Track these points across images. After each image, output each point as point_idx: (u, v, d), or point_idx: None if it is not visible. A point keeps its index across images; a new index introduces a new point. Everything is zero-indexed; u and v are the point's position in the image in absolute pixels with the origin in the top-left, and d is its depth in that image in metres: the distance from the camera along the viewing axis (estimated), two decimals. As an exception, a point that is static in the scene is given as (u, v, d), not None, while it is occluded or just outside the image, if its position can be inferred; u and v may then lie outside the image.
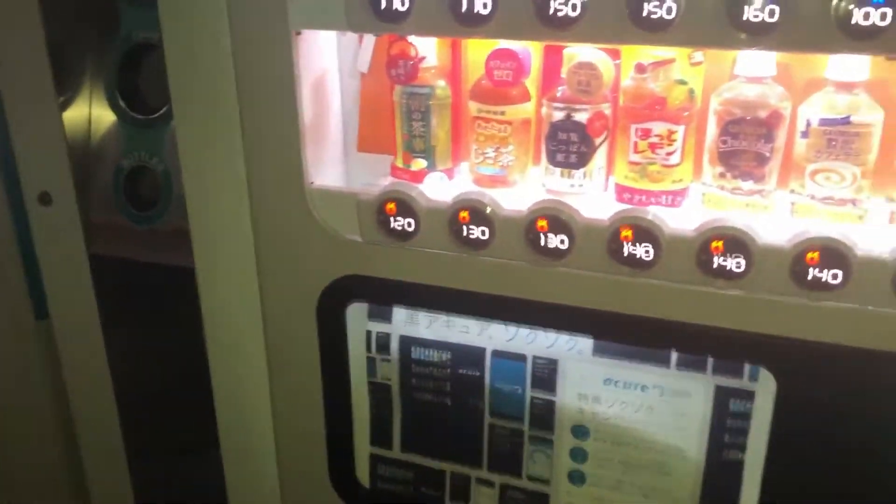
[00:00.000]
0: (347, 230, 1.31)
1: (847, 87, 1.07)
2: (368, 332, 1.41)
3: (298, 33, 1.21)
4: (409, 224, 1.24)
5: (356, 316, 1.39)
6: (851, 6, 0.92)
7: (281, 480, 1.56)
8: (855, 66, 1.06)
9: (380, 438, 1.48)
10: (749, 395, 1.21)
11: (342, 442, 1.48)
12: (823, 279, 1.05)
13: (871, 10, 0.91)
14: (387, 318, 1.40)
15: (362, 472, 1.51)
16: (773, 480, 1.20)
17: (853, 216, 1.09)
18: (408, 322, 1.39)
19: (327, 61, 1.34)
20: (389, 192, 1.25)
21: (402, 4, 1.11)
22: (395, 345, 1.40)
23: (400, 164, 1.31)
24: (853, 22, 0.92)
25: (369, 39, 1.34)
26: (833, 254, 1.04)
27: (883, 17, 0.91)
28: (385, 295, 1.35)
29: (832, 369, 1.11)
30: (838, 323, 1.08)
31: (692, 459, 1.28)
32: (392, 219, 1.25)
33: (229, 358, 1.49)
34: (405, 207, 1.24)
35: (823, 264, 1.05)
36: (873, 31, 0.92)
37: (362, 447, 1.50)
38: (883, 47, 0.95)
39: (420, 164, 1.29)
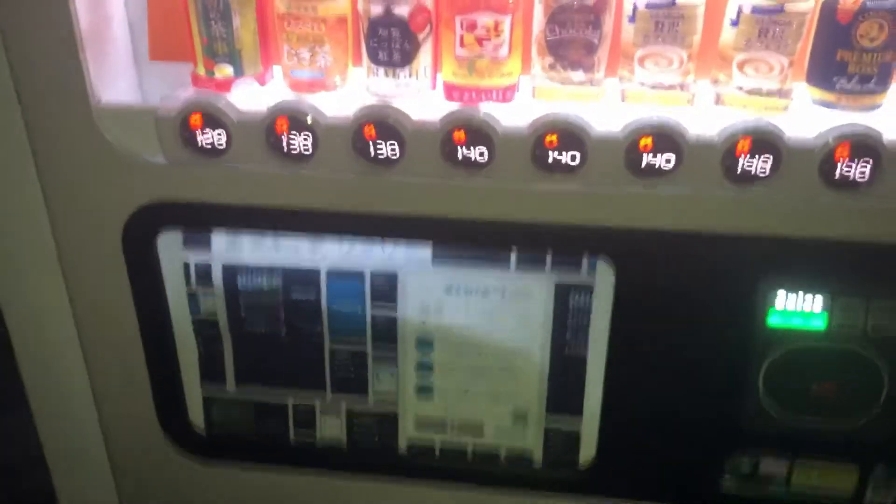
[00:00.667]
0: (148, 151, 1.15)
1: (670, -34, 1.04)
2: (186, 265, 1.27)
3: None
4: (220, 138, 1.11)
5: (169, 246, 1.25)
6: None
7: (106, 435, 1.42)
8: (677, -57, 1.03)
9: (212, 378, 1.36)
10: (588, 289, 1.21)
11: (170, 387, 1.35)
12: (657, 165, 1.04)
13: None
14: (205, 246, 1.26)
15: (196, 416, 1.39)
16: (615, 371, 1.22)
17: (682, 100, 1.08)
18: (230, 248, 1.26)
19: (102, -46, 1.14)
20: (193, 104, 1.10)
21: None
22: (217, 275, 1.27)
23: (201, 71, 1.15)
24: None
25: (150, -72, 1.15)
26: (665, 139, 1.03)
27: None
28: (199, 219, 1.21)
29: (668, 255, 1.12)
30: (672, 208, 1.08)
31: (536, 359, 1.28)
32: (199, 134, 1.11)
33: (26, 307, 1.30)
34: (213, 120, 1.10)
35: (657, 150, 1.04)
36: None
37: (193, 389, 1.37)
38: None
39: (225, 70, 1.14)
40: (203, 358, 1.35)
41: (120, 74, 1.22)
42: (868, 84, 1.04)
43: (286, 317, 1.29)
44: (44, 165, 1.17)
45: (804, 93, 1.09)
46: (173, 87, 1.17)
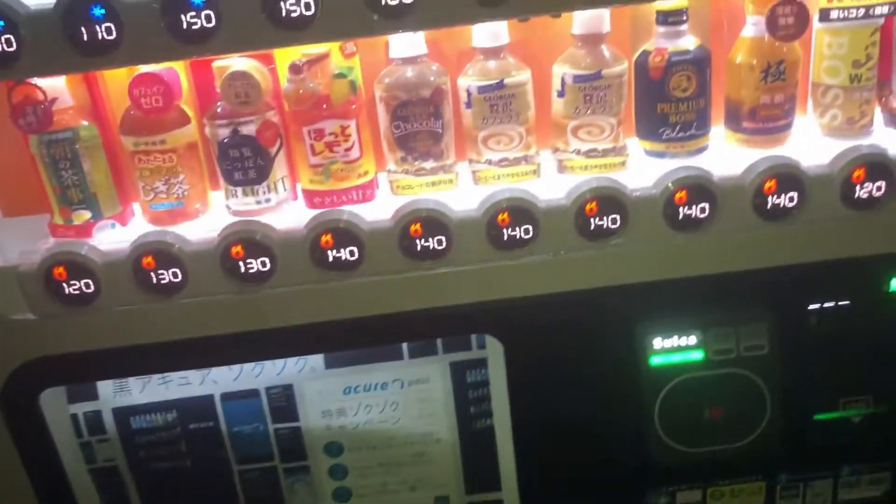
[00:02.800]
0: (15, 309, 1.12)
1: (494, 52, 1.11)
2: (74, 416, 1.23)
3: None
4: (87, 285, 1.09)
5: (53, 401, 1.20)
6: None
7: None
8: (496, 32, 1.10)
9: (121, 526, 1.31)
10: (482, 363, 1.24)
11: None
12: (517, 237, 1.09)
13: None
14: (91, 394, 1.23)
15: (112, 567, 1.33)
16: (523, 436, 1.24)
17: (529, 172, 1.14)
18: (118, 391, 1.23)
19: (-64, 122, 1.13)
20: (54, 255, 1.09)
21: (9, 45, 0.97)
22: (109, 421, 1.24)
23: (59, 220, 1.14)
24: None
25: (-19, 89, 1.15)
26: (520, 212, 1.08)
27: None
28: (80, 372, 1.18)
29: (545, 318, 1.16)
30: (539, 275, 1.13)
31: (447, 440, 1.29)
32: (64, 284, 1.09)
33: None
34: (77, 268, 1.09)
35: (514, 222, 1.08)
36: None
37: (105, 540, 1.31)
38: (512, 10, 0.99)
39: (83, 216, 1.14)
40: (108, 507, 1.30)
41: (-26, 236, 1.20)
42: (690, 130, 1.13)
43: (187, 448, 1.26)
44: None
45: (636, 147, 1.17)
46: (33, 240, 1.16)
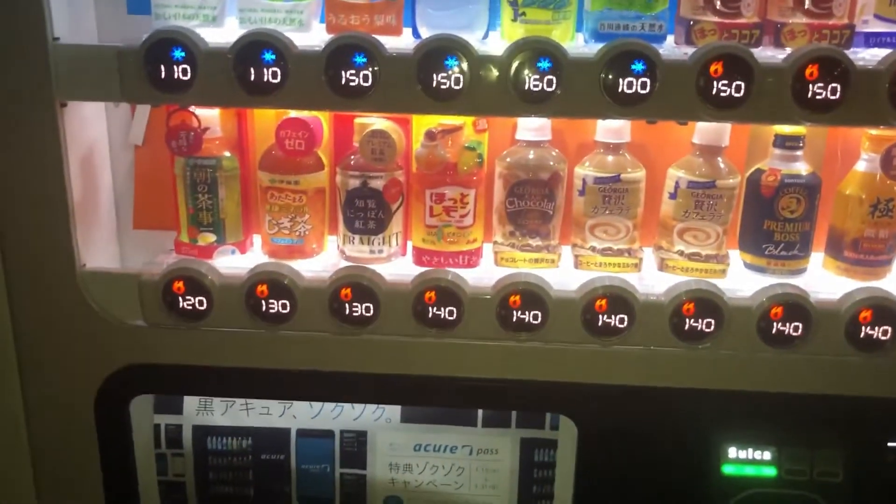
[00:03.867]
0: (127, 315, 1.19)
1: (614, 148, 1.18)
2: (157, 426, 1.28)
3: (64, 105, 1.11)
4: (201, 302, 1.16)
5: (140, 408, 1.26)
6: (614, 76, 1.02)
7: None
8: (620, 130, 1.17)
9: (176, 542, 1.34)
10: (552, 444, 1.26)
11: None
12: (612, 324, 1.13)
13: (633, 79, 1.02)
14: (176, 408, 1.28)
15: (158, 582, 1.35)
16: (581, 523, 1.25)
17: (630, 265, 1.19)
18: (201, 410, 1.28)
19: (96, 133, 1.23)
20: (177, 270, 1.16)
21: (185, 74, 1.06)
22: (187, 436, 1.28)
23: (185, 239, 1.22)
24: (620, 91, 1.02)
25: (143, 110, 1.25)
26: (618, 300, 1.12)
27: (644, 86, 1.02)
28: (176, 384, 1.24)
29: (625, 408, 1.18)
30: (627, 365, 1.16)
31: (504, 514, 1.30)
32: (181, 298, 1.16)
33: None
34: (195, 285, 1.15)
35: (611, 310, 1.12)
36: (637, 98, 1.03)
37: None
38: (645, 112, 1.05)
39: (208, 238, 1.21)
40: (168, 522, 1.33)
41: (103, 241, 1.28)
42: (793, 250, 1.17)
43: (254, 477, 1.30)
44: (22, 327, 1.19)
45: (737, 258, 1.21)
46: (150, 255, 1.24)
